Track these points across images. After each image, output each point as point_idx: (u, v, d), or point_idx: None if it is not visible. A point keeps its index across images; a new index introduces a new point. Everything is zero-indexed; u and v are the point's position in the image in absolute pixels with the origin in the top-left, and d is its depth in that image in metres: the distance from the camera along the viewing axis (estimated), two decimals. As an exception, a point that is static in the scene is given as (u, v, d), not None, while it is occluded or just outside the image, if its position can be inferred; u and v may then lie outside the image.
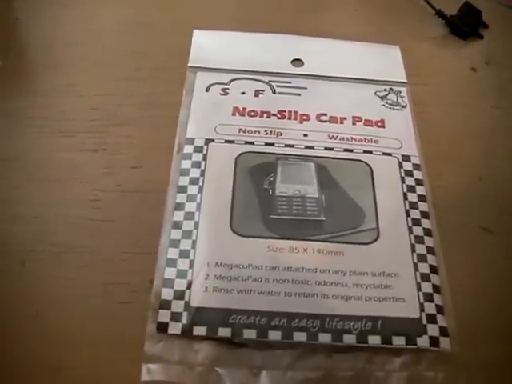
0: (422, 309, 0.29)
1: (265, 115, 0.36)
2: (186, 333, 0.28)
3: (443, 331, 0.29)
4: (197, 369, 0.28)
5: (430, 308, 0.29)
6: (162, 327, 0.28)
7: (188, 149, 0.34)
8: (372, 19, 0.46)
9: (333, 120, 0.37)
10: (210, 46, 0.40)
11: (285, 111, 0.37)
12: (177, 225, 0.31)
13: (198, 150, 0.34)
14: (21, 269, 0.31)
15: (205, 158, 0.34)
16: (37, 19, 0.44)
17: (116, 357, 0.28)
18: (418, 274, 0.30)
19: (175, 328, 0.28)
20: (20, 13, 0.44)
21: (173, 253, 0.30)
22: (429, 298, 0.30)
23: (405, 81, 0.39)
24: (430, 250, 0.31)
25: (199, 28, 0.41)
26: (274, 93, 0.38)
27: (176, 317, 0.28)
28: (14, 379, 0.28)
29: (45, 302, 0.30)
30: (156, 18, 0.44)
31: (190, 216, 0.32)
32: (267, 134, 0.35)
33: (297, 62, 0.40)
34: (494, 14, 0.46)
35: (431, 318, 0.29)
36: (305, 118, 0.37)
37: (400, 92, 0.39)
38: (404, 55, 0.41)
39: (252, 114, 0.36)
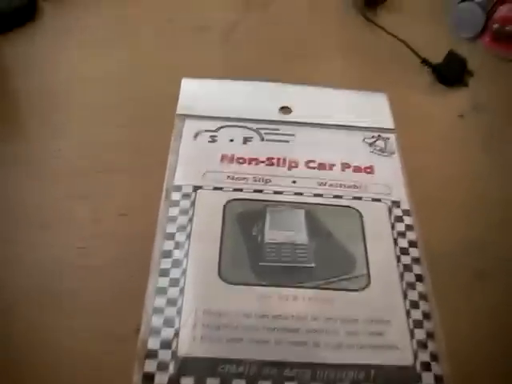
0: (415, 356, 0.29)
1: (253, 162, 0.36)
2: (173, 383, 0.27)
3: (438, 379, 0.28)
4: (184, 425, 0.27)
5: (424, 355, 0.29)
6: (149, 378, 0.27)
7: (176, 196, 0.34)
8: (359, 68, 0.47)
9: (321, 167, 0.37)
10: (198, 93, 0.40)
11: (273, 158, 0.37)
12: (164, 272, 0.31)
13: (186, 196, 0.34)
14: (10, 314, 0.31)
15: (193, 204, 0.34)
16: (26, 66, 0.44)
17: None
18: (410, 320, 0.30)
19: (162, 379, 0.27)
20: (9, 60, 0.45)
21: (160, 301, 0.30)
22: (422, 344, 0.29)
23: (393, 127, 0.40)
24: (423, 296, 0.31)
25: (188, 76, 0.41)
26: (263, 140, 0.38)
27: (163, 366, 0.27)
28: None
29: (25, 349, 0.30)
30: (144, 65, 0.45)
31: (177, 263, 0.31)
32: (256, 180, 0.35)
33: (285, 109, 0.40)
34: (479, 62, 0.47)
35: (426, 366, 0.28)
36: (293, 164, 0.36)
37: (388, 138, 0.39)
38: (391, 102, 0.41)
39: (240, 161, 0.36)
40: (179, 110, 0.39)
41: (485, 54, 0.48)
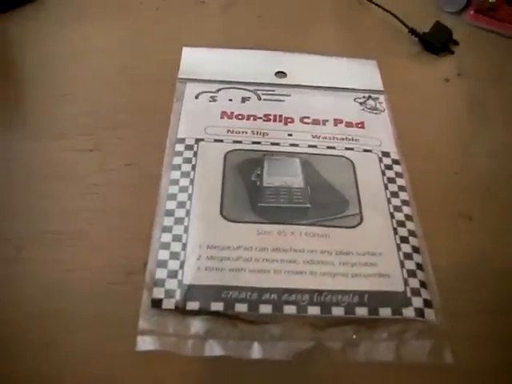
0: (406, 283, 0.30)
1: (251, 118, 0.38)
2: (180, 308, 0.29)
3: (427, 303, 0.30)
4: (190, 340, 0.28)
5: (414, 283, 0.31)
6: (157, 303, 0.29)
7: (179, 147, 0.36)
8: (350, 38, 0.49)
9: (315, 122, 0.39)
10: (198, 60, 0.43)
11: (270, 115, 0.39)
12: (169, 213, 0.33)
13: (189, 148, 0.36)
14: (17, 255, 0.32)
15: (195, 154, 0.36)
16: (30, 38, 0.46)
17: (111, 333, 0.29)
18: (400, 253, 0.32)
19: (169, 304, 0.29)
20: (14, 35, 0.46)
21: (166, 237, 0.32)
22: (412, 274, 0.31)
23: (382, 89, 0.42)
24: (412, 233, 0.33)
25: (188, 44, 0.43)
26: (260, 99, 0.40)
27: (170, 293, 0.29)
28: (7, 356, 0.29)
29: (40, 284, 0.31)
30: (146, 36, 0.47)
31: (181, 205, 0.33)
32: (254, 134, 0.37)
33: (280, 74, 0.42)
34: (464, 32, 0.49)
35: (415, 292, 0.30)
36: (289, 120, 0.39)
37: (378, 98, 0.41)
38: (381, 68, 0.43)
39: (239, 117, 0.38)
40: (181, 75, 0.41)
41: (469, 26, 0.51)
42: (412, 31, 0.48)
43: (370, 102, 0.41)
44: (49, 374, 0.29)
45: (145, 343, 0.28)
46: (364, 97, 0.41)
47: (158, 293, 0.29)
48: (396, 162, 0.37)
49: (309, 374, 0.29)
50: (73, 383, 0.28)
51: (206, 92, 0.40)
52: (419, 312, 0.29)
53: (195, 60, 0.43)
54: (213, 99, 0.39)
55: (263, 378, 0.29)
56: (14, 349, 0.29)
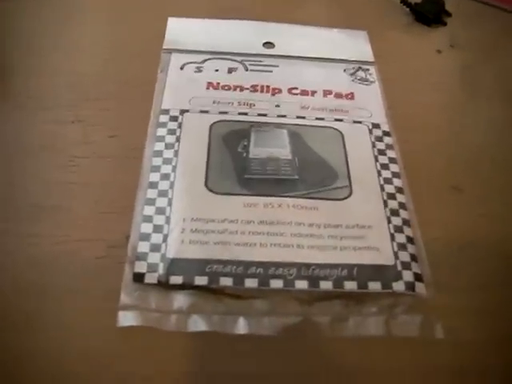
0: (396, 257, 0.30)
1: (238, 89, 0.37)
2: (163, 282, 0.28)
3: (418, 277, 0.29)
4: (174, 315, 0.27)
5: (404, 256, 0.30)
6: (139, 277, 0.28)
7: (163, 118, 0.35)
8: (340, 9, 0.48)
9: (304, 93, 0.38)
10: (184, 31, 0.41)
11: (257, 85, 0.38)
12: (153, 185, 0.32)
13: (174, 119, 0.35)
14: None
15: (180, 126, 0.35)
16: (10, 6, 0.45)
17: (92, 306, 0.28)
18: (391, 226, 0.31)
19: (151, 278, 0.28)
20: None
21: (149, 210, 0.31)
22: (403, 247, 0.30)
23: (372, 60, 0.41)
24: (402, 206, 0.32)
25: (174, 15, 0.42)
26: (247, 70, 0.39)
27: (152, 267, 0.28)
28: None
29: (22, 258, 0.30)
30: (131, 4, 0.46)
31: (165, 177, 0.32)
32: (240, 104, 0.36)
33: (268, 44, 0.41)
34: (456, 3, 0.48)
35: (406, 265, 0.29)
36: (277, 91, 0.38)
37: (368, 70, 0.40)
38: (371, 39, 0.42)
39: (225, 88, 0.37)
40: (166, 45, 0.40)
41: (461, -3, 0.50)
42: (403, 2, 0.47)
43: (360, 73, 0.40)
44: (30, 348, 0.28)
45: (126, 319, 0.27)
46: (354, 68, 0.40)
47: (140, 267, 0.28)
48: (386, 133, 0.36)
49: (296, 350, 0.28)
50: (54, 358, 0.27)
51: (191, 63, 0.39)
52: (409, 286, 0.29)
53: (181, 30, 0.41)
54: (198, 70, 0.38)
55: (249, 354, 0.28)
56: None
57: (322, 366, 0.28)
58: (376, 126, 0.36)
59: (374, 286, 0.29)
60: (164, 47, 0.40)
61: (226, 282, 0.28)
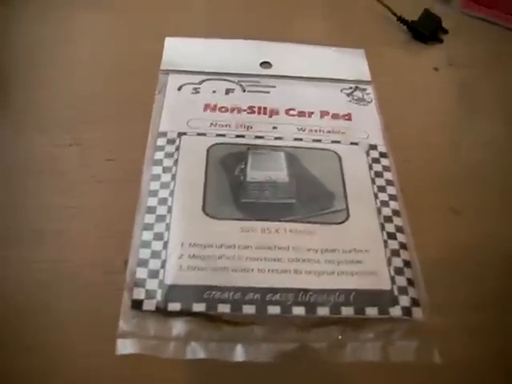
0: (393, 281, 0.30)
1: (235, 111, 0.38)
2: (161, 309, 0.28)
3: (415, 302, 0.29)
4: (172, 343, 0.27)
5: (401, 281, 0.30)
6: (137, 304, 0.28)
7: (161, 141, 0.35)
8: (337, 27, 0.48)
9: (301, 114, 0.38)
10: (181, 51, 0.42)
11: (254, 107, 0.38)
12: (151, 210, 0.32)
13: (171, 142, 0.35)
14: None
15: (177, 148, 0.35)
16: (10, 22, 0.45)
17: (91, 334, 0.29)
18: (387, 250, 0.31)
19: (150, 305, 0.28)
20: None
21: (147, 235, 0.31)
22: (399, 271, 0.30)
23: (369, 80, 0.41)
24: (399, 229, 0.32)
25: (171, 35, 0.42)
26: (244, 91, 0.39)
27: (150, 294, 0.28)
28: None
29: (22, 283, 0.31)
30: (130, 24, 0.46)
31: (163, 201, 0.32)
32: (238, 127, 0.36)
33: (265, 64, 0.41)
34: (453, 20, 0.49)
35: (402, 290, 0.30)
36: (274, 112, 0.38)
37: (365, 89, 0.40)
38: (368, 57, 0.42)
39: (223, 109, 0.38)
40: (163, 66, 0.40)
41: (459, 14, 0.50)
42: (400, 19, 0.47)
43: (357, 93, 0.40)
44: (28, 374, 0.28)
45: (125, 346, 0.27)
46: (351, 87, 0.40)
47: (139, 293, 0.29)
48: (383, 154, 0.36)
49: (294, 376, 0.29)
50: (55, 378, 0.28)
51: (188, 84, 0.39)
52: (406, 311, 0.29)
53: (178, 51, 0.42)
54: (196, 91, 0.39)
55: (247, 381, 0.28)
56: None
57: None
58: (373, 147, 0.36)
59: (371, 311, 0.29)
60: (161, 68, 0.40)
61: (224, 308, 0.28)
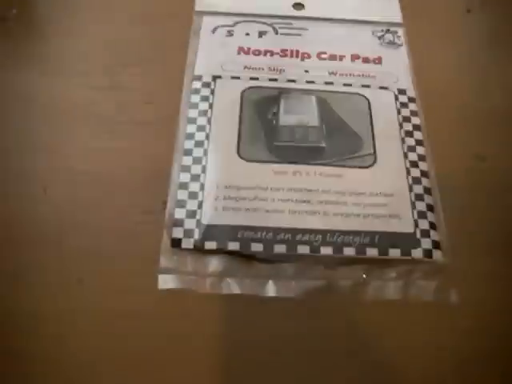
0: (416, 225, 0.31)
1: (268, 54, 0.38)
2: (198, 247, 0.30)
3: (436, 244, 0.31)
4: (208, 278, 0.30)
5: (424, 224, 0.32)
6: (176, 243, 0.30)
7: (196, 84, 0.36)
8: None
9: (332, 58, 0.39)
10: (215, -9, 0.42)
11: (287, 50, 0.39)
12: (187, 152, 0.34)
13: (206, 85, 0.36)
14: (43, 195, 0.34)
15: (212, 92, 0.36)
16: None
17: (133, 270, 0.31)
18: (412, 194, 0.33)
19: (188, 243, 0.30)
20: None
21: (184, 177, 0.33)
22: (423, 215, 0.32)
23: (401, 22, 0.41)
24: (424, 174, 0.34)
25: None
26: (277, 34, 0.40)
27: (189, 233, 0.31)
28: (35, 292, 0.31)
29: (65, 224, 0.33)
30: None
31: (199, 144, 0.34)
32: (270, 70, 0.37)
33: (298, 5, 0.41)
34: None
35: (425, 233, 0.31)
36: (306, 56, 0.38)
37: (396, 32, 0.40)
38: (400, -2, 0.42)
39: (256, 52, 0.38)
40: (197, 7, 0.41)
41: None
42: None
43: (388, 36, 0.40)
44: (74, 309, 0.31)
45: (166, 282, 0.30)
46: (382, 30, 0.40)
47: (178, 232, 0.31)
48: (412, 99, 0.37)
49: (320, 312, 0.31)
50: (97, 320, 0.30)
51: (223, 26, 0.40)
52: (427, 253, 0.31)
53: (212, -9, 0.42)
54: (230, 34, 0.39)
55: (277, 315, 0.31)
56: (39, 287, 0.31)
57: (342, 327, 0.31)
58: (402, 91, 0.37)
59: (394, 252, 0.31)
60: (196, 9, 0.41)
61: (257, 247, 0.30)
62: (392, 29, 0.41)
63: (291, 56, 0.38)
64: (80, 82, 0.38)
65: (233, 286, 0.30)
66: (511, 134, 0.38)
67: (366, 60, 0.38)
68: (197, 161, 0.33)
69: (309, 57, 0.38)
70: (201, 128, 0.34)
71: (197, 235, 0.31)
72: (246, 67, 0.37)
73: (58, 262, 0.32)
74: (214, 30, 0.39)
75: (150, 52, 0.40)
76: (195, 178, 0.33)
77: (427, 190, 0.33)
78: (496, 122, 0.38)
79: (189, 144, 0.34)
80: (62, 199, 0.34)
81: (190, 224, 0.31)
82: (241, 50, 0.38)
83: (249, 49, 0.38)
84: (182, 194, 0.32)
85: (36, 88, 0.38)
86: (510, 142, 0.37)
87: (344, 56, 0.39)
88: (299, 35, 0.40)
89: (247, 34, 0.39)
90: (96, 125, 0.37)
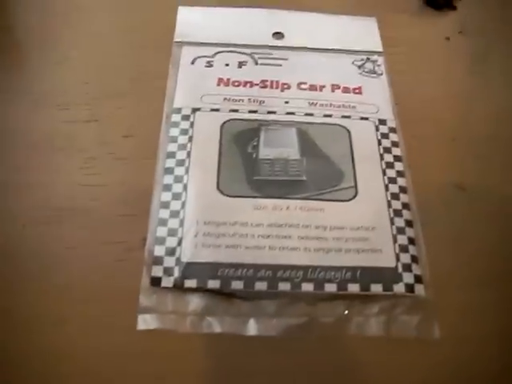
0: (397, 259, 0.31)
1: (248, 85, 0.38)
2: (178, 286, 0.30)
3: (418, 279, 0.31)
4: (189, 318, 0.30)
5: (406, 258, 0.31)
6: (156, 281, 0.30)
7: (176, 117, 0.36)
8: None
9: (312, 88, 0.38)
10: (194, 21, 0.42)
11: (267, 81, 0.39)
12: (167, 187, 0.33)
13: (186, 118, 0.36)
14: (22, 232, 0.33)
15: (192, 125, 0.36)
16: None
17: (113, 310, 0.31)
18: (394, 227, 0.32)
19: (168, 282, 0.30)
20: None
21: (164, 213, 0.32)
22: (404, 249, 0.32)
23: (381, 50, 0.41)
24: (405, 206, 0.33)
25: (184, 4, 0.42)
26: (257, 64, 0.40)
27: (168, 271, 0.30)
28: (17, 333, 0.30)
29: (45, 261, 0.33)
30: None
31: (179, 179, 0.33)
32: (250, 102, 0.37)
33: (278, 35, 0.41)
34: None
35: (406, 267, 0.31)
36: (286, 86, 0.38)
37: (376, 61, 0.40)
38: (380, 26, 0.42)
39: (236, 84, 0.38)
40: (176, 38, 0.40)
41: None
42: (414, -15, 0.46)
43: (369, 65, 0.40)
44: (51, 349, 0.30)
45: (146, 322, 0.29)
46: (362, 59, 0.40)
47: (157, 271, 0.30)
48: (392, 130, 0.37)
49: (302, 349, 0.31)
50: (75, 359, 0.30)
51: (202, 57, 0.39)
52: (409, 288, 0.31)
53: (191, 21, 0.42)
54: (209, 64, 0.39)
55: (259, 353, 0.30)
56: (18, 324, 0.31)
57: (327, 364, 0.30)
58: (382, 122, 0.37)
59: (376, 288, 0.30)
60: (175, 40, 0.40)
61: (237, 285, 0.30)
62: (372, 57, 0.41)
63: (271, 87, 0.38)
64: (58, 115, 0.38)
65: (214, 325, 0.29)
66: (491, 163, 0.38)
67: (346, 90, 0.38)
68: (176, 196, 0.33)
69: (289, 87, 0.38)
70: (180, 162, 0.34)
71: (176, 273, 0.30)
72: (225, 99, 0.37)
73: (36, 300, 0.31)
74: (193, 61, 0.39)
75: (130, 84, 0.40)
76: (174, 214, 0.32)
77: (408, 223, 0.33)
78: (476, 150, 0.38)
79: (168, 179, 0.34)
80: (40, 236, 0.33)
81: (169, 262, 0.31)
82: (220, 81, 0.38)
83: (228, 80, 0.38)
84: (161, 231, 0.32)
85: (13, 121, 0.38)
86: (491, 170, 0.38)
87: (324, 86, 0.38)
88: (279, 65, 0.40)
89: (227, 65, 0.39)
90: (75, 159, 0.36)
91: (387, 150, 0.35)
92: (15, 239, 0.33)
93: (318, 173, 0.34)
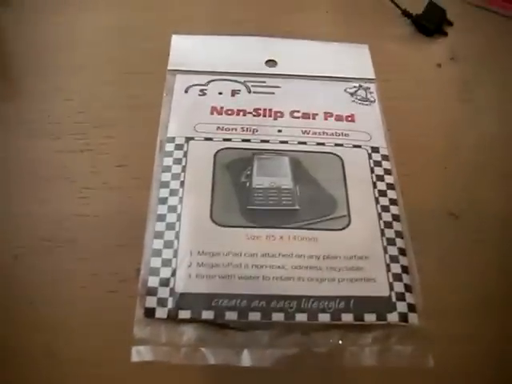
0: (391, 288, 0.31)
1: (241, 113, 0.38)
2: (172, 317, 0.30)
3: (411, 308, 0.31)
4: (183, 349, 0.29)
5: (399, 287, 0.31)
6: (150, 312, 0.30)
7: (169, 147, 0.36)
8: (342, 20, 0.48)
9: (305, 116, 0.39)
10: (188, 49, 0.42)
11: (260, 109, 0.39)
12: (161, 218, 0.33)
13: (179, 147, 0.36)
14: (14, 263, 0.33)
15: (185, 155, 0.36)
16: (19, 27, 0.45)
17: (106, 341, 0.31)
18: (387, 256, 0.32)
19: (162, 313, 0.30)
20: (1, 21, 0.46)
21: (158, 243, 0.32)
22: (398, 277, 0.32)
23: (373, 77, 0.41)
24: (399, 234, 0.34)
25: (177, 32, 0.43)
26: (250, 92, 0.40)
27: (162, 302, 0.30)
28: (6, 366, 0.30)
29: (37, 292, 0.32)
30: (135, 23, 0.46)
31: (172, 209, 0.33)
32: (244, 130, 0.37)
33: (270, 62, 0.42)
34: (458, 11, 0.49)
35: (400, 296, 0.31)
36: (279, 114, 0.39)
37: (369, 88, 0.41)
38: (372, 53, 0.42)
39: (229, 112, 0.38)
40: (170, 66, 0.41)
41: (464, 4, 0.50)
42: (405, 13, 0.47)
43: (361, 92, 0.40)
44: (43, 382, 0.30)
45: (139, 354, 0.29)
46: (355, 86, 0.41)
47: (151, 302, 0.30)
48: (385, 157, 0.37)
49: (296, 380, 0.30)
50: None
51: (195, 85, 0.40)
52: (403, 317, 0.31)
53: (185, 49, 0.42)
54: (203, 93, 0.39)
55: (253, 382, 0.30)
56: (8, 360, 0.30)
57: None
58: (375, 149, 0.37)
59: (370, 317, 0.30)
60: (169, 68, 0.41)
61: (231, 316, 0.30)
62: (364, 85, 0.41)
63: (264, 115, 0.38)
64: (51, 145, 0.38)
65: (208, 357, 0.29)
66: (484, 190, 0.38)
67: (338, 118, 0.39)
68: (170, 227, 0.33)
69: (282, 116, 0.39)
70: (174, 192, 0.34)
71: (170, 304, 0.30)
72: (218, 128, 0.37)
73: (27, 332, 0.31)
74: (186, 90, 0.39)
75: (123, 112, 0.40)
76: (168, 244, 0.32)
77: (402, 251, 0.33)
78: (468, 178, 0.38)
79: (162, 209, 0.34)
80: (33, 267, 0.33)
81: (163, 293, 0.31)
82: (214, 109, 0.38)
83: (222, 108, 0.39)
84: (155, 262, 0.32)
85: (6, 151, 0.38)
86: (483, 197, 0.38)
87: (317, 114, 0.39)
88: (272, 93, 0.40)
89: (220, 93, 0.39)
90: (68, 189, 0.36)
91: (380, 178, 0.36)
92: (6, 269, 0.33)
93: (311, 202, 0.34)
